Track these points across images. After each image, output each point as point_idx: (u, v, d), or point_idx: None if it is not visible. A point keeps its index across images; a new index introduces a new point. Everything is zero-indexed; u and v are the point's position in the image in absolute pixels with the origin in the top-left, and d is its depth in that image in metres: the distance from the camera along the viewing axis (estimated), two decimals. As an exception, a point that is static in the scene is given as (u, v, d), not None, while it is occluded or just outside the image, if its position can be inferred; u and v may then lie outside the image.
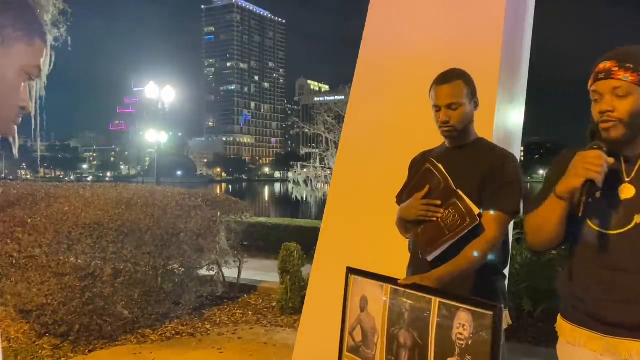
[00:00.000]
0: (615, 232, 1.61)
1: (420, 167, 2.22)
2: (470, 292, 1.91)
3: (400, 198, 2.27)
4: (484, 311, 1.59)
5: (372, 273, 2.04)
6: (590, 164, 1.56)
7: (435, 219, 2.08)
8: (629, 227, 1.59)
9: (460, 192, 2.05)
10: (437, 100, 2.14)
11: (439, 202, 2.07)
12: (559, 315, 1.79)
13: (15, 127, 0.97)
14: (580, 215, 1.57)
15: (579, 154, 1.60)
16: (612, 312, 1.60)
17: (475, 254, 1.96)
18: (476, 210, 2.02)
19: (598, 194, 1.62)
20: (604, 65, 1.61)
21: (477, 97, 2.19)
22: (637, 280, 1.57)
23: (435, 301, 1.74)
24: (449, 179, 2.08)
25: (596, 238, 1.64)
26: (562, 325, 1.77)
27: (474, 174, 2.11)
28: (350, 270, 2.12)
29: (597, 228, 1.64)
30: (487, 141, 2.27)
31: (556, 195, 1.64)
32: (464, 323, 1.64)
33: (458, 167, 2.14)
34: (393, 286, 1.91)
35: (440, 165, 2.13)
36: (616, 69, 1.58)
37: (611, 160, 1.59)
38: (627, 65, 1.57)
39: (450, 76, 2.15)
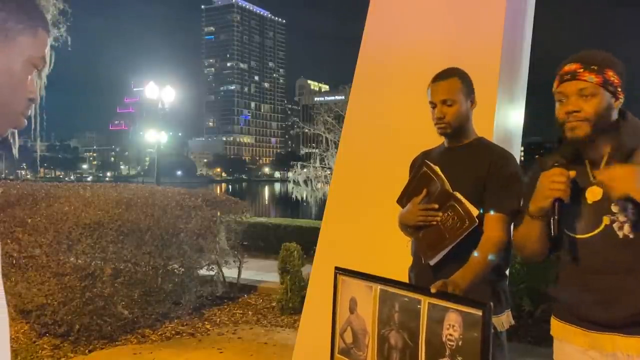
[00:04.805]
0: (586, 235, 1.65)
1: (418, 171, 2.21)
2: (472, 294, 1.90)
3: (402, 202, 2.27)
4: (473, 310, 1.59)
5: (361, 273, 2.01)
6: (554, 182, 1.62)
7: (434, 222, 2.07)
8: (599, 229, 1.62)
9: (458, 195, 2.04)
10: (432, 96, 2.15)
11: (436, 206, 2.06)
12: (552, 315, 1.85)
13: (25, 120, 0.97)
14: (553, 234, 1.63)
15: (543, 174, 1.66)
16: (591, 311, 1.65)
17: (486, 256, 1.95)
18: (475, 212, 2.01)
19: (566, 200, 1.66)
20: (569, 67, 1.64)
21: (474, 95, 2.18)
22: (611, 280, 1.61)
23: (425, 302, 1.72)
24: (446, 181, 2.07)
25: (570, 243, 1.69)
26: (553, 323, 1.82)
27: (473, 173, 2.10)
28: (339, 270, 2.10)
29: (570, 233, 1.69)
30: (487, 140, 2.26)
31: (530, 216, 1.71)
32: (453, 324, 1.63)
33: (457, 166, 2.13)
34: (382, 286, 1.90)
35: (437, 168, 2.12)
36: (581, 70, 1.61)
37: (573, 173, 1.64)
38: (592, 67, 1.61)
39: (445, 73, 2.16)
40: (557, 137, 1.74)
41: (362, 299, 1.97)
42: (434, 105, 2.15)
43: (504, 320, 2.12)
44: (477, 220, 1.98)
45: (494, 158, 2.13)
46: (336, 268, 2.10)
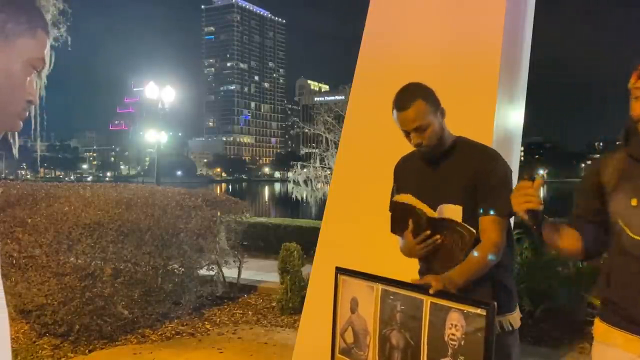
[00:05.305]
0: None
1: (395, 205, 2.16)
2: (480, 292, 1.89)
3: (396, 232, 2.21)
4: (477, 310, 1.58)
5: (362, 273, 2.01)
6: (521, 196, 1.64)
7: (437, 247, 2.06)
8: None
9: (444, 213, 2.03)
10: (403, 126, 2.08)
11: (428, 233, 2.04)
12: (597, 317, 1.79)
13: (21, 122, 0.97)
14: (539, 242, 1.63)
15: (514, 189, 1.70)
16: None
17: (483, 257, 1.95)
18: (458, 210, 2.02)
19: (634, 202, 1.62)
20: None
21: (442, 106, 2.11)
22: None
23: (427, 301, 1.72)
24: (426, 208, 2.04)
25: (635, 246, 1.62)
26: (599, 326, 1.76)
27: (460, 176, 2.09)
28: (340, 270, 2.09)
29: (636, 236, 1.62)
30: (466, 139, 2.21)
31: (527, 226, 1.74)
32: (455, 323, 1.63)
33: (443, 171, 2.12)
34: (383, 286, 1.89)
35: (409, 197, 2.07)
36: None
37: (539, 181, 1.66)
38: None
39: (407, 99, 2.06)
40: (624, 133, 1.71)
41: (364, 299, 1.97)
42: (406, 132, 2.10)
43: (516, 317, 2.12)
44: (475, 231, 1.98)
45: (482, 159, 2.11)
46: (337, 268, 2.10)
